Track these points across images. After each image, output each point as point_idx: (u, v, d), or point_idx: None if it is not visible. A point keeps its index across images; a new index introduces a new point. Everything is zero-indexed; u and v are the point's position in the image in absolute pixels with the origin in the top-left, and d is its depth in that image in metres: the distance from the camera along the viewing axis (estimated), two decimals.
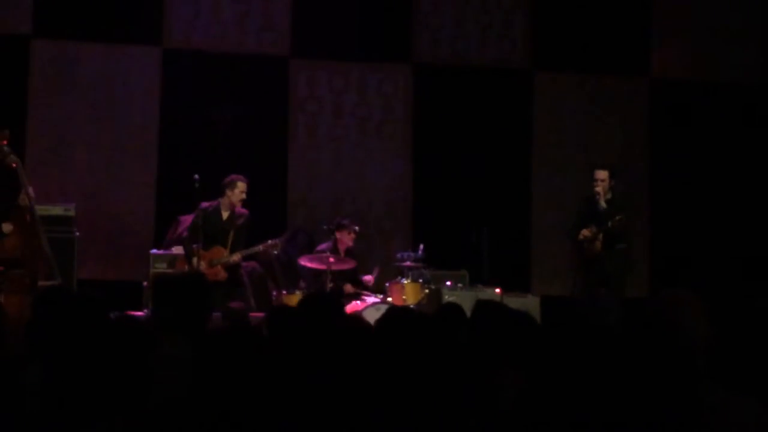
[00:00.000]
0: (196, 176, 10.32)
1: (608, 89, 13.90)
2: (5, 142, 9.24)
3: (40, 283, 9.17)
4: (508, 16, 13.73)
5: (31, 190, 9.28)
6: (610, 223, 10.57)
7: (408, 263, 11.48)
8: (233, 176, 10.66)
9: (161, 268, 11.26)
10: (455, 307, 6.33)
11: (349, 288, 11.48)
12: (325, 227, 11.59)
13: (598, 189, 10.84)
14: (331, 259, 11.02)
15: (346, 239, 11.54)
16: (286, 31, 13.20)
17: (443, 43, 13.60)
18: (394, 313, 4.24)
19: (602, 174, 10.91)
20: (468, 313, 5.16)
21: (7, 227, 9.08)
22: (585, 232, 10.76)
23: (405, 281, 11.20)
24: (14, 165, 9.23)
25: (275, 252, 10.52)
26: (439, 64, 13.56)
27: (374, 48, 13.34)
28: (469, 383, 3.73)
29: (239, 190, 10.60)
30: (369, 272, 12.00)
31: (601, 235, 10.67)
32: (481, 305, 4.84)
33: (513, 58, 13.77)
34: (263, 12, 13.18)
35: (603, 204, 10.82)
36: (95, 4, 12.58)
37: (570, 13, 13.72)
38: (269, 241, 10.49)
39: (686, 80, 13.95)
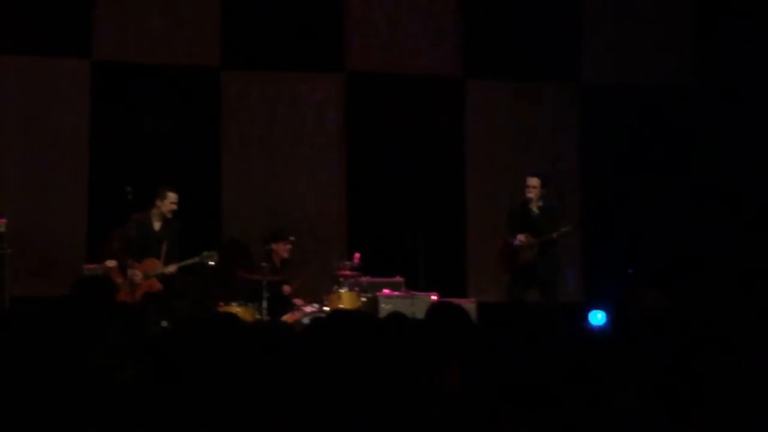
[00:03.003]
0: (129, 188, 10.23)
1: (539, 95, 14.01)
2: None
3: None
4: (440, 24, 13.79)
5: None
6: (555, 234, 10.84)
7: (344, 271, 11.49)
8: (163, 186, 10.62)
9: None
10: (400, 317, 6.34)
11: (287, 289, 11.46)
12: (262, 240, 11.60)
13: (531, 195, 11.06)
14: (267, 270, 11.00)
15: (281, 250, 11.52)
16: (216, 42, 13.13)
17: (375, 52, 13.62)
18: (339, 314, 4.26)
19: (534, 181, 11.17)
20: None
21: None
22: (521, 238, 10.94)
23: (341, 290, 11.21)
24: None
25: (211, 263, 10.46)
26: (371, 73, 13.57)
27: (306, 57, 13.33)
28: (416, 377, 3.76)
29: (169, 200, 10.58)
30: (304, 283, 11.99)
31: (537, 245, 10.90)
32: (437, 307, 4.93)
33: (445, 65, 13.82)
34: (193, 23, 13.10)
35: (535, 210, 11.05)
36: (22, 16, 12.43)
37: (500, 20, 13.82)
38: (205, 253, 10.44)
39: (615, 85, 14.10)
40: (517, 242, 11.06)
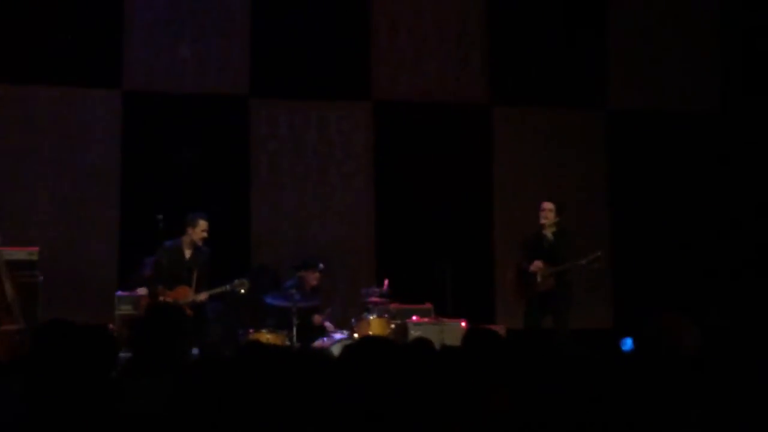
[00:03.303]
0: (160, 216, 10.32)
1: (566, 122, 14.04)
2: None
3: (3, 327, 9.16)
4: (466, 52, 13.85)
5: None
6: (584, 261, 10.81)
7: (373, 298, 11.53)
8: (194, 214, 10.69)
9: (126, 309, 11.21)
10: (425, 342, 6.38)
11: (318, 319, 11.50)
12: (292, 267, 11.63)
13: (544, 221, 11.07)
14: (297, 297, 11.03)
15: (310, 278, 11.55)
16: (245, 71, 13.25)
17: (402, 80, 13.70)
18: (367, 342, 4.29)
19: (548, 205, 11.15)
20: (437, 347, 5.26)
21: None
22: (539, 264, 10.93)
23: (371, 316, 11.24)
24: None
25: (242, 291, 10.49)
26: (398, 101, 13.64)
27: (333, 85, 13.42)
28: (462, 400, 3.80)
29: (200, 228, 10.62)
30: (333, 310, 12.01)
31: (554, 271, 10.88)
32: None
33: (471, 93, 13.87)
34: (222, 52, 13.23)
35: (550, 237, 11.06)
36: (54, 48, 12.58)
37: (526, 47, 13.87)
38: (236, 281, 10.48)
39: (642, 111, 14.11)
40: (533, 269, 11.04)
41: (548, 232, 11.14)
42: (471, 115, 13.88)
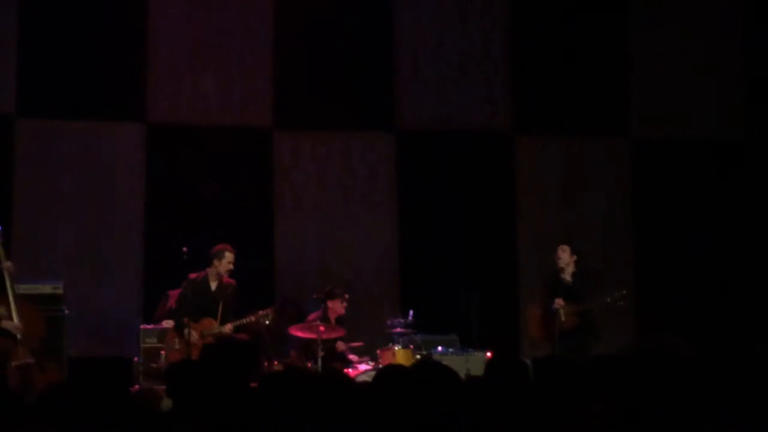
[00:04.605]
0: (185, 248, 10.33)
1: (590, 151, 14.00)
2: None
3: (13, 363, 9.17)
4: (489, 81, 13.85)
5: (9, 265, 9.32)
6: (609, 299, 10.90)
7: (398, 329, 11.50)
8: (220, 246, 10.71)
9: (151, 342, 11.23)
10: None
11: (341, 345, 11.45)
12: (315, 297, 11.61)
13: (561, 264, 11.16)
14: (322, 328, 11.02)
15: (337, 308, 11.54)
16: (268, 103, 13.28)
17: (425, 110, 13.70)
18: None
19: (565, 249, 11.22)
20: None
21: None
22: (560, 302, 10.99)
23: (396, 347, 11.21)
24: None
25: (266, 322, 10.50)
26: (421, 130, 13.64)
27: (357, 116, 13.44)
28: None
29: (227, 260, 10.66)
30: (358, 340, 11.97)
31: (577, 310, 10.94)
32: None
33: (495, 122, 13.86)
34: (245, 84, 13.27)
35: (568, 278, 11.15)
36: (78, 82, 12.65)
37: (549, 76, 13.85)
38: (260, 312, 10.49)
39: (666, 139, 14.06)
40: (556, 306, 11.09)
41: (566, 274, 11.24)
42: (494, 143, 13.86)
